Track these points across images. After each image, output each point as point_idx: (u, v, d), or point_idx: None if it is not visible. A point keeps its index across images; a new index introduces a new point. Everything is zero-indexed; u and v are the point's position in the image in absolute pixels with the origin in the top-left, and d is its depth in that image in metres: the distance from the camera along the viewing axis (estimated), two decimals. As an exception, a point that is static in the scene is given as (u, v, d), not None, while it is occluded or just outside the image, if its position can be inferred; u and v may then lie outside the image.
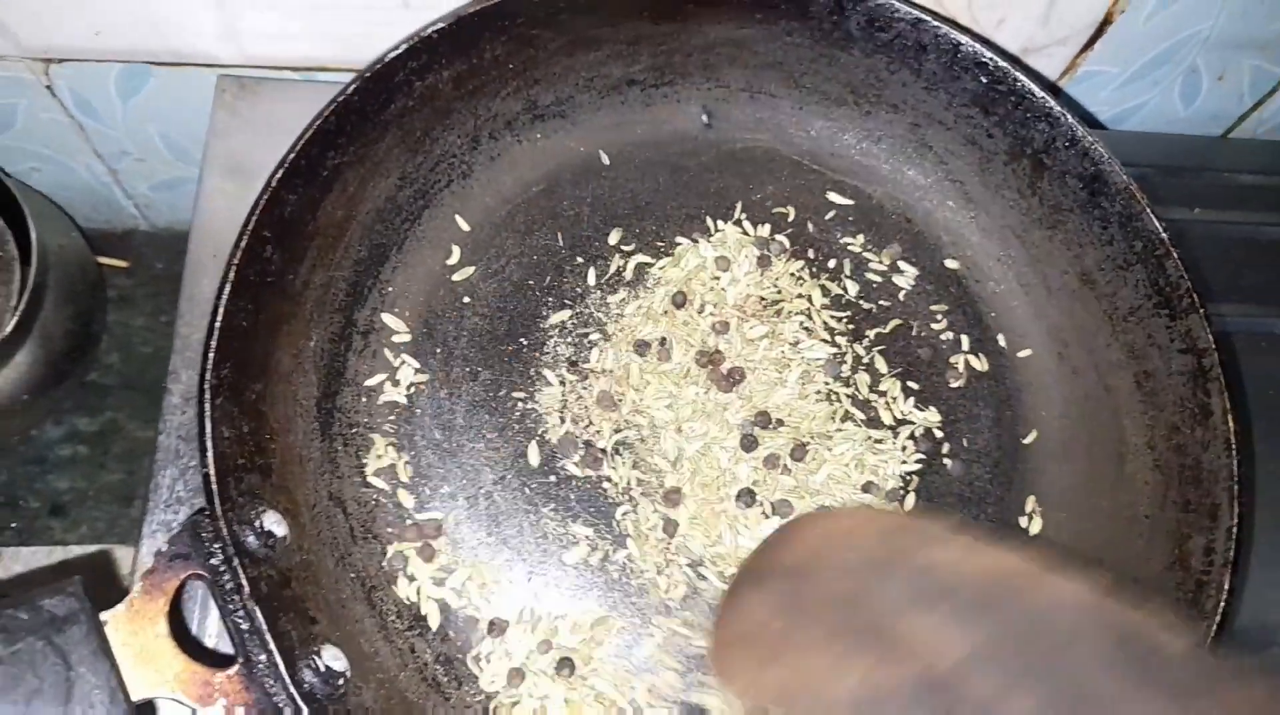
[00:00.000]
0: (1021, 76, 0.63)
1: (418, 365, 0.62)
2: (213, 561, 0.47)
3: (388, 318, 0.62)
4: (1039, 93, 0.63)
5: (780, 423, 0.63)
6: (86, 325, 0.86)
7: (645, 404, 0.62)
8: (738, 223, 0.68)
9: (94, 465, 0.91)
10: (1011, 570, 0.35)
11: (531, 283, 0.65)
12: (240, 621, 0.46)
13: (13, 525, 0.86)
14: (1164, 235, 0.60)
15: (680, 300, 0.65)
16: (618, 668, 0.57)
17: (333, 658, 0.49)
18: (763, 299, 0.66)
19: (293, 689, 0.45)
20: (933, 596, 0.35)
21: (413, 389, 0.61)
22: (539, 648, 0.56)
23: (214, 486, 0.48)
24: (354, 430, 0.59)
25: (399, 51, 0.59)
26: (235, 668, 0.45)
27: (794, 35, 0.67)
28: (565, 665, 0.55)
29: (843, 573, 0.39)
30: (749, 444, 0.61)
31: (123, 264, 0.97)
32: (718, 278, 0.66)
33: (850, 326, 0.66)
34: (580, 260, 0.66)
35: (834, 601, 0.38)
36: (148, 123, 0.84)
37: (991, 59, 0.64)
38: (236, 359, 0.52)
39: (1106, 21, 0.74)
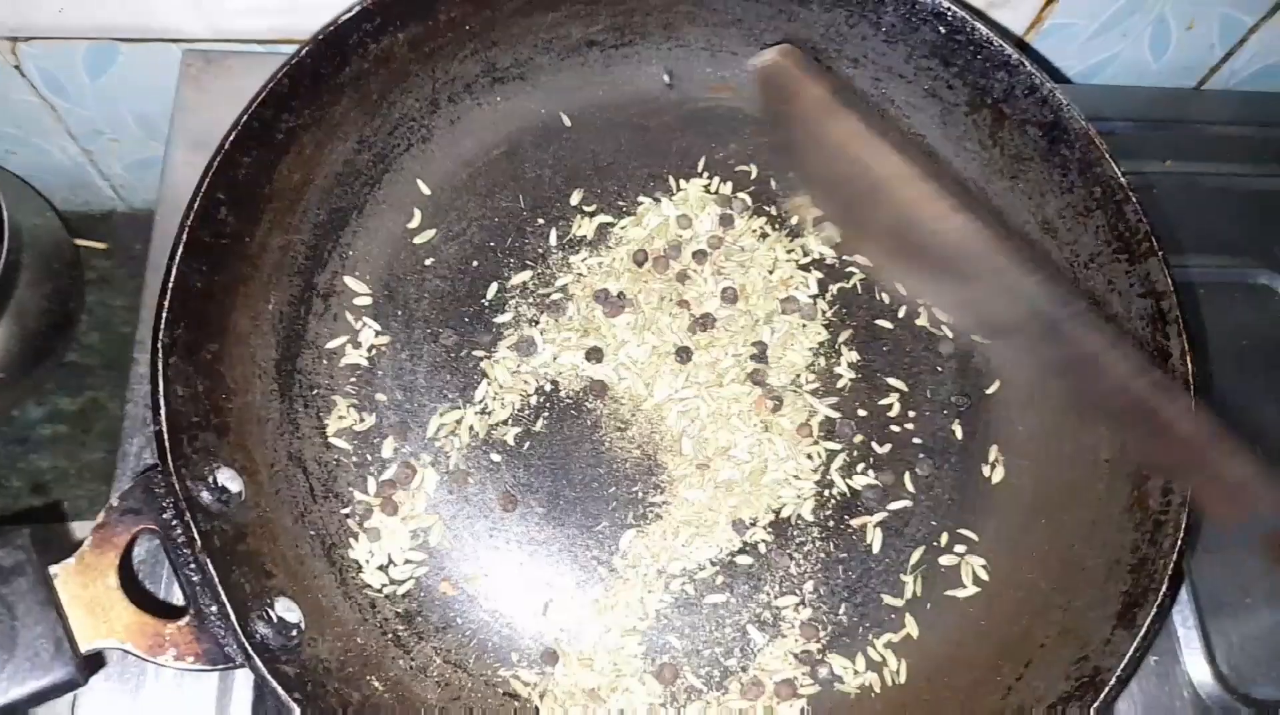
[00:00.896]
0: (980, 25, 0.63)
1: (379, 327, 0.62)
2: (165, 516, 0.47)
3: (349, 280, 0.62)
4: (997, 41, 0.63)
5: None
6: (64, 304, 0.87)
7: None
8: (700, 181, 0.68)
9: (75, 444, 0.91)
10: None
11: (493, 244, 0.65)
12: (192, 574, 0.47)
13: (-5, 504, 0.87)
14: (1123, 180, 0.60)
15: (641, 258, 0.65)
16: (586, 620, 0.57)
17: (286, 609, 0.49)
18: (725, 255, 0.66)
19: (243, 638, 0.45)
20: None
21: (374, 351, 0.62)
22: (500, 602, 0.56)
23: (166, 442, 0.48)
24: (315, 392, 0.60)
25: (352, 14, 0.59)
26: (186, 619, 0.46)
27: (752, -9, 0.66)
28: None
29: None
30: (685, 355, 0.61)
31: (101, 245, 0.97)
32: (680, 235, 0.66)
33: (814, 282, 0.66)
34: (542, 221, 0.66)
35: None
36: (118, 101, 0.84)
37: (950, 8, 0.63)
38: (191, 319, 0.53)
39: (1071, -29, 0.73)
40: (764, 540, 0.60)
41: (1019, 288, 0.52)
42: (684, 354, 0.62)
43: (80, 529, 0.84)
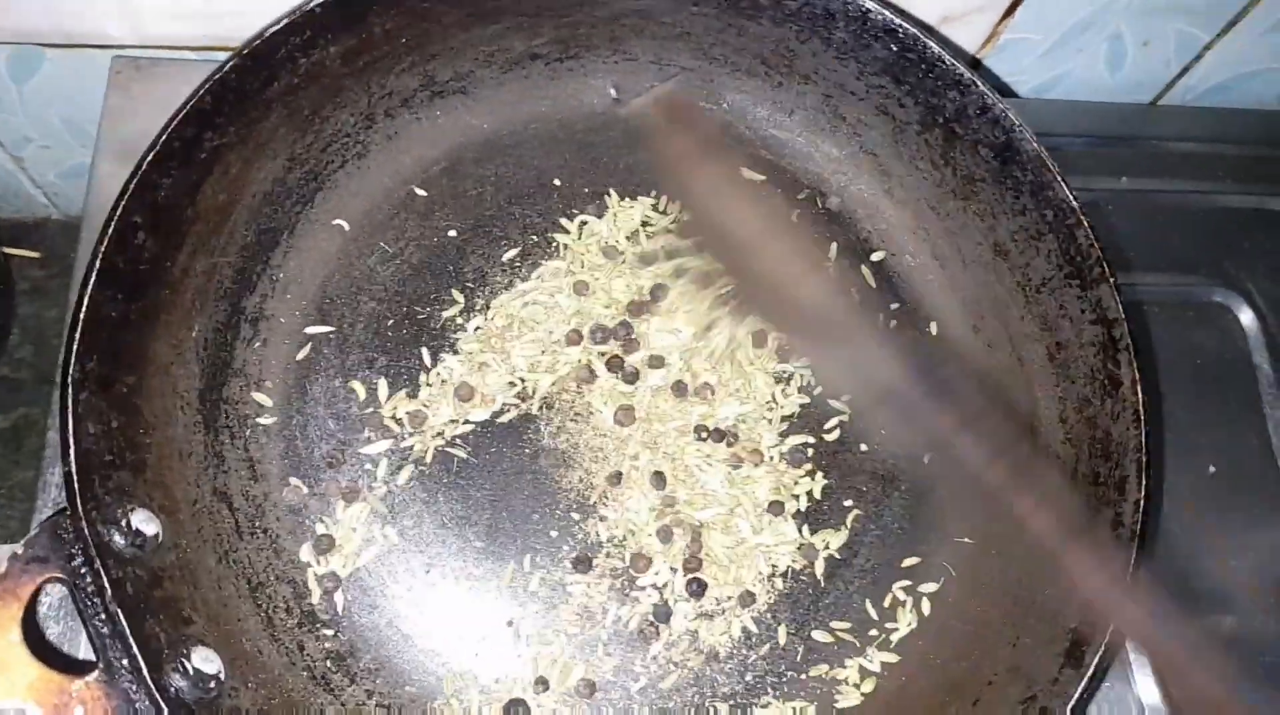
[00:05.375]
0: (931, 43, 0.61)
1: (311, 353, 0.60)
2: (74, 563, 0.45)
3: (279, 305, 0.60)
4: (949, 59, 0.61)
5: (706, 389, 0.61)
6: (-9, 319, 0.84)
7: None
8: (647, 199, 0.66)
9: (7, 462, 0.88)
10: None
11: (432, 266, 0.63)
12: (102, 626, 0.44)
13: (-79, 525, 0.84)
14: (1075, 204, 0.59)
15: (584, 281, 0.63)
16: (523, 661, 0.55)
17: (203, 660, 0.47)
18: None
19: (155, 694, 0.43)
20: None
21: (306, 378, 0.59)
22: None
23: (75, 485, 0.46)
24: (242, 422, 0.57)
25: (279, 27, 0.56)
26: (94, 674, 0.44)
27: (701, 5, 0.64)
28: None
29: None
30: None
31: (33, 254, 0.94)
32: (624, 255, 0.64)
33: (762, 304, 0.65)
34: (484, 241, 0.64)
35: None
36: (47, 107, 0.81)
37: (901, 26, 0.62)
38: (105, 351, 0.50)
39: (1027, -14, 0.72)
40: (709, 574, 0.58)
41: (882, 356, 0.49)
42: (632, 377, 0.61)
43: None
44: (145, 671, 0.43)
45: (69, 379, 0.48)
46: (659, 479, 0.58)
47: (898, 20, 0.62)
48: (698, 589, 0.57)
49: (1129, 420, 0.55)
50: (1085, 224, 0.58)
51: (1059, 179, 0.59)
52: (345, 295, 0.61)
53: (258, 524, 0.55)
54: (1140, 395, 0.55)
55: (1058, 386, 0.60)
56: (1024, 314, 0.62)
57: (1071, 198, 0.59)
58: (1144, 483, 0.53)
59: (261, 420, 0.58)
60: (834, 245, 0.67)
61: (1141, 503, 0.53)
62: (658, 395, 0.61)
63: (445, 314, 0.62)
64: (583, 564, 0.57)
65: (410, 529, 0.57)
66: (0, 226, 0.93)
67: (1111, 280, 0.57)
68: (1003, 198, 0.62)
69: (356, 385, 0.59)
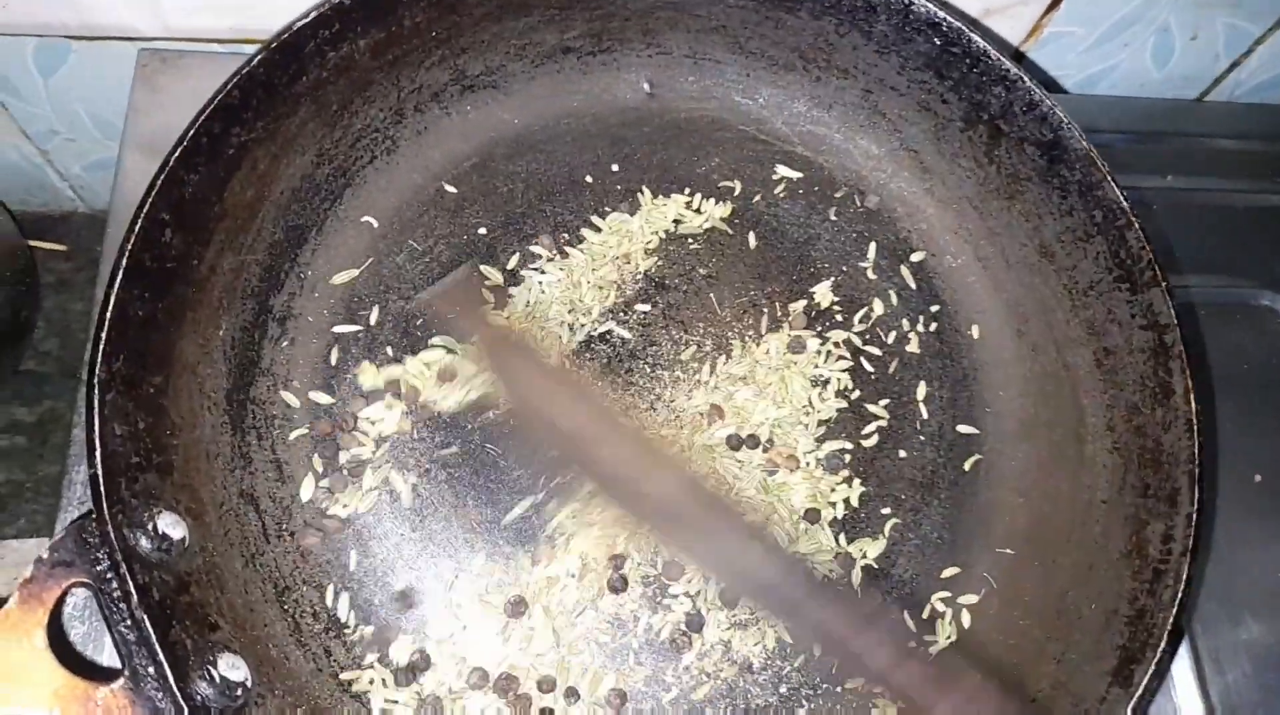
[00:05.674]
0: (976, 37, 0.60)
1: (339, 353, 0.59)
2: (99, 568, 0.44)
3: (307, 303, 0.59)
4: (995, 54, 0.59)
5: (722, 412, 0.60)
6: (17, 313, 0.83)
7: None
8: (681, 197, 0.65)
9: (32, 456, 0.88)
10: None
11: (462, 263, 0.62)
12: (128, 632, 0.43)
13: (-53, 520, 0.84)
14: (1125, 205, 0.57)
15: (617, 277, 0.62)
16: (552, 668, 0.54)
17: (230, 667, 0.46)
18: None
19: (182, 702, 0.42)
20: None
21: (335, 378, 0.58)
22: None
23: (101, 488, 0.45)
24: (270, 423, 0.56)
25: (307, 20, 0.55)
26: (120, 681, 0.43)
27: (737, -4, 0.63)
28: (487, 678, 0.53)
29: None
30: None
31: (60, 247, 0.93)
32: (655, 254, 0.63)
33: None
34: (514, 239, 0.63)
35: None
36: (73, 100, 0.80)
37: (945, 19, 0.60)
38: (132, 350, 0.49)
39: (1072, -22, 0.70)
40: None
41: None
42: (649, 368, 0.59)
43: (34, 548, 0.81)
44: (172, 679, 0.42)
45: (95, 380, 0.47)
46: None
47: (941, 14, 0.60)
48: (731, 597, 0.55)
49: (1181, 430, 0.53)
50: (1136, 226, 0.56)
51: (1109, 178, 0.57)
52: (374, 294, 0.60)
53: (285, 527, 0.54)
54: (1193, 404, 0.53)
55: (1105, 393, 0.58)
56: (1070, 318, 0.60)
57: (1122, 198, 0.57)
58: (1196, 495, 0.51)
59: (289, 421, 0.57)
60: (873, 245, 0.65)
61: (1194, 516, 0.51)
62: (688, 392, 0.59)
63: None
64: (619, 583, 0.56)
65: (438, 533, 0.56)
66: (26, 219, 0.92)
67: (1163, 284, 0.55)
68: (1049, 197, 0.60)
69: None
